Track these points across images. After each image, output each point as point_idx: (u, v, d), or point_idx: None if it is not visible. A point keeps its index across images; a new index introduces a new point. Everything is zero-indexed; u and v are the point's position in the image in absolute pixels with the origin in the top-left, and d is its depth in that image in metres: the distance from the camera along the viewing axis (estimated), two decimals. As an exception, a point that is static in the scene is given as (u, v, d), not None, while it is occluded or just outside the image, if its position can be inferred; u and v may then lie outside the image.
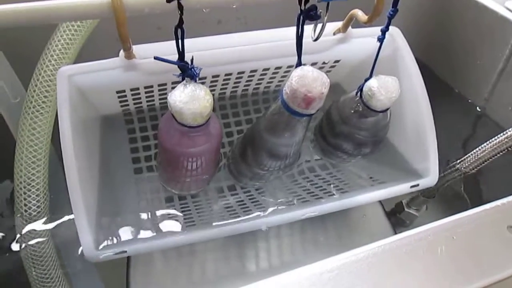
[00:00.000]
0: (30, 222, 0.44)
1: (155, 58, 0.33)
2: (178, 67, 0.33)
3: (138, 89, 0.42)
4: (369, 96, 0.38)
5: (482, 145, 0.47)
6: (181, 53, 0.32)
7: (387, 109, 0.40)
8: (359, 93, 0.40)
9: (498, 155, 0.46)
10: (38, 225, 0.44)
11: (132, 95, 0.43)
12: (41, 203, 0.44)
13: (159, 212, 0.43)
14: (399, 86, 0.38)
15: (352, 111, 0.42)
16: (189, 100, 0.31)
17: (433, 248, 0.28)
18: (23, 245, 0.43)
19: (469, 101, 0.63)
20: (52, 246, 0.43)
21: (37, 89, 0.43)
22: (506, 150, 0.46)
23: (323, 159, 0.50)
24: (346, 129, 0.43)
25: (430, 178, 0.44)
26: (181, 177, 0.40)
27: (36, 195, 0.43)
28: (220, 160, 0.44)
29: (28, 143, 0.42)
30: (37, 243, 0.43)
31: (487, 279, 0.27)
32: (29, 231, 0.43)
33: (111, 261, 0.36)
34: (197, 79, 0.33)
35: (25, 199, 0.43)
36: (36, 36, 0.44)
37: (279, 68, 0.45)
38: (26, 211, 0.43)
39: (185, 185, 0.43)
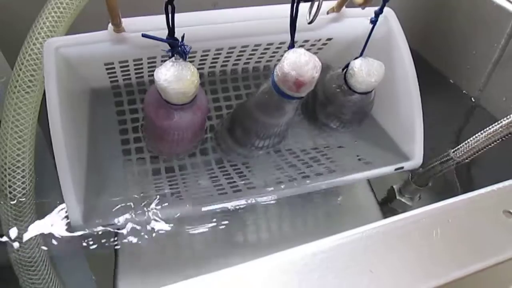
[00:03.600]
0: (15, 204, 0.42)
1: (143, 35, 0.32)
2: (168, 43, 0.32)
3: (127, 61, 0.41)
4: (350, 75, 0.39)
5: (476, 135, 0.47)
6: (171, 29, 0.32)
7: (368, 92, 0.40)
8: (344, 71, 0.40)
9: (492, 144, 0.46)
10: (23, 207, 0.42)
11: (121, 67, 0.42)
12: (26, 185, 0.42)
13: (146, 187, 0.43)
14: (383, 72, 0.38)
15: (336, 88, 0.42)
16: (174, 79, 0.31)
17: (428, 231, 0.28)
18: (7, 228, 0.42)
19: (464, 91, 0.63)
20: (37, 229, 0.42)
21: (23, 67, 0.41)
22: (500, 139, 0.46)
23: (309, 129, 0.50)
24: (329, 104, 0.44)
25: (415, 160, 0.44)
26: (166, 145, 0.41)
27: (22, 176, 0.42)
28: (205, 128, 0.44)
29: (14, 123, 0.41)
30: (21, 225, 0.42)
31: (482, 263, 0.27)
32: (13, 213, 0.42)
33: (98, 240, 0.35)
34: (187, 57, 0.33)
35: (9, 180, 0.42)
36: (23, 17, 0.43)
37: (271, 44, 0.44)
38: (10, 192, 0.42)
39: (171, 151, 0.43)
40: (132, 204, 0.40)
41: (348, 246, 0.27)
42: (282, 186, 0.42)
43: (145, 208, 0.38)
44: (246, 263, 0.26)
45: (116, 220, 0.36)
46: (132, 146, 0.46)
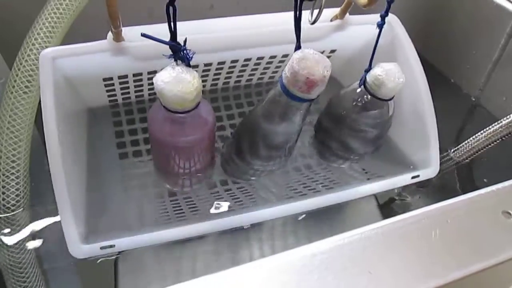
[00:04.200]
0: (8, 212, 0.41)
1: (142, 35, 0.31)
2: (170, 47, 0.31)
3: (126, 76, 0.40)
4: (376, 85, 0.37)
5: (476, 135, 0.47)
6: (173, 33, 0.30)
7: (393, 96, 0.39)
8: (362, 85, 0.39)
9: (492, 144, 0.46)
10: (17, 215, 0.41)
11: (120, 83, 0.41)
12: (20, 191, 0.42)
13: (148, 206, 0.41)
14: (400, 70, 0.37)
15: (355, 104, 0.40)
16: (173, 81, 0.30)
17: (427, 231, 0.28)
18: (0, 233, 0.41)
19: (464, 91, 0.63)
20: (31, 239, 0.41)
21: (21, 67, 0.41)
22: (500, 139, 0.46)
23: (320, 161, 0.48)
24: (348, 125, 0.41)
25: (432, 168, 0.43)
26: (173, 171, 0.38)
27: (16, 183, 0.41)
28: (215, 155, 0.42)
29: (10, 122, 0.41)
30: (14, 230, 0.41)
31: (481, 264, 0.27)
32: (7, 218, 0.41)
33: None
34: (189, 62, 0.31)
35: (3, 186, 0.41)
36: (23, 16, 0.43)
37: (274, 57, 0.43)
38: (4, 199, 0.41)
39: (179, 181, 0.41)
40: (133, 224, 0.39)
41: (347, 247, 0.26)
42: (293, 202, 0.40)
43: (147, 229, 0.37)
44: (245, 264, 0.26)
45: (116, 242, 0.34)
46: (134, 170, 0.44)
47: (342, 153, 0.45)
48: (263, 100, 0.36)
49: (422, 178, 0.43)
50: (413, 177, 0.43)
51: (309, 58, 0.30)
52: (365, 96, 0.39)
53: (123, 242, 0.35)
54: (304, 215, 0.45)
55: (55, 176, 0.32)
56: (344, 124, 0.42)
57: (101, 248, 0.34)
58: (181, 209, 0.40)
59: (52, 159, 0.32)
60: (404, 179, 0.42)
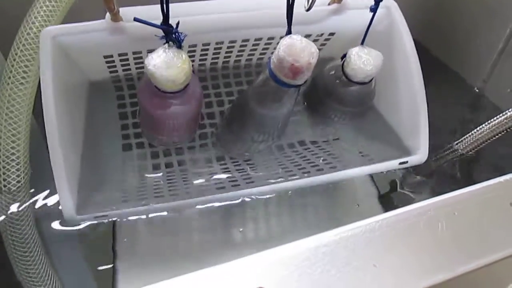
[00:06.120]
0: (9, 197, 0.42)
1: (135, 19, 0.31)
2: (162, 30, 0.31)
3: (126, 54, 0.40)
4: (347, 63, 0.38)
5: (481, 126, 0.46)
6: (166, 16, 0.31)
7: (365, 82, 0.39)
8: (343, 60, 0.39)
9: (497, 136, 0.46)
10: (18, 200, 0.42)
11: (121, 60, 0.41)
12: (21, 178, 0.42)
13: (144, 180, 0.42)
14: (380, 61, 0.38)
15: (335, 78, 0.41)
16: (163, 66, 0.31)
17: (433, 223, 0.27)
18: (2, 221, 0.41)
19: (467, 82, 0.62)
20: (33, 222, 0.42)
21: (17, 57, 0.40)
22: (504, 131, 0.45)
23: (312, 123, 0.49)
24: (329, 95, 0.43)
25: (420, 155, 0.43)
26: (159, 133, 0.40)
27: (16, 169, 0.41)
28: (202, 118, 0.44)
29: (8, 114, 0.40)
30: (16, 218, 0.41)
31: (489, 257, 0.26)
32: (8, 206, 0.41)
33: (96, 235, 0.35)
34: (181, 45, 0.32)
35: (4, 173, 0.41)
36: (20, 3, 0.42)
37: (272, 38, 0.43)
38: (5, 185, 0.41)
39: (164, 139, 0.43)
40: (128, 196, 0.39)
41: (351, 239, 0.26)
42: (282, 180, 0.41)
43: (141, 200, 0.38)
44: (246, 257, 0.25)
45: (110, 211, 0.36)
46: (132, 141, 0.45)
47: (325, 119, 0.47)
48: (254, 83, 0.36)
49: (410, 164, 0.43)
50: (400, 163, 0.43)
51: (296, 44, 0.30)
52: (340, 71, 0.40)
53: (116, 212, 0.36)
54: (299, 199, 0.46)
55: (52, 146, 0.33)
56: (325, 95, 0.43)
57: (95, 217, 0.35)
58: (176, 183, 0.41)
59: (50, 131, 0.33)
60: (391, 164, 0.43)
